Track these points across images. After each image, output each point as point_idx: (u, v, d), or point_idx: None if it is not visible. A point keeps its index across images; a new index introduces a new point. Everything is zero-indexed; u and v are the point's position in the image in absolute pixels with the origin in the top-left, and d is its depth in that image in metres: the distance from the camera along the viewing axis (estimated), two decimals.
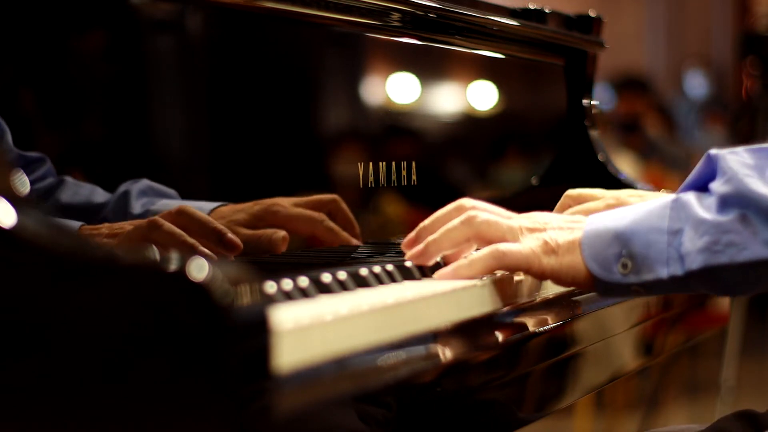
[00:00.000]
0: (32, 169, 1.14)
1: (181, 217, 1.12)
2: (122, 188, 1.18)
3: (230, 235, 1.13)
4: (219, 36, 1.24)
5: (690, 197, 1.06)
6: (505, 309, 1.08)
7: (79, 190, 1.16)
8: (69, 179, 1.16)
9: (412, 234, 1.13)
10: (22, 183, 0.78)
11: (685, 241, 1.04)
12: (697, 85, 9.41)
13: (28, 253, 0.74)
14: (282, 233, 1.24)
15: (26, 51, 1.11)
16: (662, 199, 1.08)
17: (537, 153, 1.81)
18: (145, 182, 1.19)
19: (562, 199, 1.28)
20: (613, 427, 3.66)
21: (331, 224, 1.30)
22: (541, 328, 1.07)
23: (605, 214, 1.10)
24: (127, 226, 1.10)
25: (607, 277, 1.06)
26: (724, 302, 1.63)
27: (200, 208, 1.21)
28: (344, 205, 1.31)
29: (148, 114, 1.22)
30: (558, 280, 1.09)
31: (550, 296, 1.16)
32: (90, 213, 1.15)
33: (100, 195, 1.17)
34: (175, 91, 1.23)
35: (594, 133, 1.77)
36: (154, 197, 1.18)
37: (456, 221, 1.10)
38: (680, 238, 1.04)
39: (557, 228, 1.10)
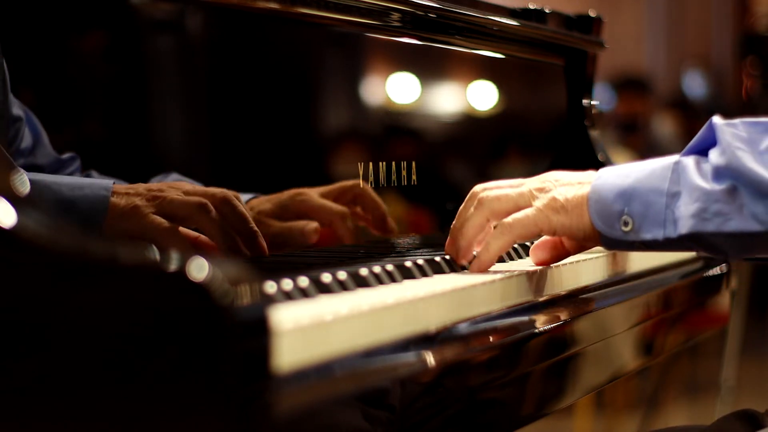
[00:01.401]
0: (68, 172, 1.16)
1: (225, 207, 1.09)
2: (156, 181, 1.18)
3: (261, 240, 1.11)
4: (219, 36, 1.24)
5: (690, 162, 1.09)
6: (505, 308, 1.08)
7: None
8: (95, 174, 1.17)
9: (449, 237, 1.16)
10: (22, 183, 0.78)
11: (681, 206, 1.07)
12: (696, 85, 9.39)
13: (28, 253, 0.74)
14: (314, 225, 1.24)
15: (32, 53, 1.11)
16: (665, 159, 1.11)
17: (537, 153, 1.81)
18: (174, 176, 1.19)
19: None
20: (613, 427, 3.66)
21: (350, 225, 1.30)
22: (542, 328, 1.07)
23: (613, 169, 1.12)
24: (172, 193, 1.06)
25: (611, 234, 1.10)
26: (724, 302, 1.63)
27: None
28: (369, 190, 1.32)
29: (147, 114, 1.22)
30: (571, 236, 1.13)
31: (551, 296, 1.17)
32: None
33: None
34: (174, 91, 1.23)
35: (594, 133, 1.77)
36: None
37: (471, 209, 1.13)
38: (677, 201, 1.07)
39: (567, 184, 1.13)
